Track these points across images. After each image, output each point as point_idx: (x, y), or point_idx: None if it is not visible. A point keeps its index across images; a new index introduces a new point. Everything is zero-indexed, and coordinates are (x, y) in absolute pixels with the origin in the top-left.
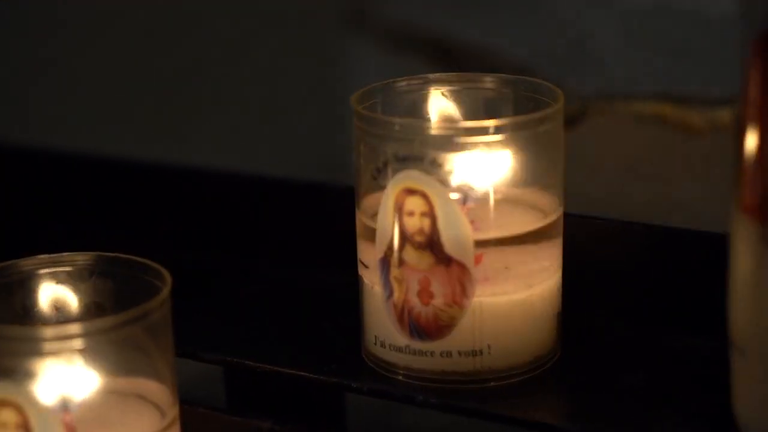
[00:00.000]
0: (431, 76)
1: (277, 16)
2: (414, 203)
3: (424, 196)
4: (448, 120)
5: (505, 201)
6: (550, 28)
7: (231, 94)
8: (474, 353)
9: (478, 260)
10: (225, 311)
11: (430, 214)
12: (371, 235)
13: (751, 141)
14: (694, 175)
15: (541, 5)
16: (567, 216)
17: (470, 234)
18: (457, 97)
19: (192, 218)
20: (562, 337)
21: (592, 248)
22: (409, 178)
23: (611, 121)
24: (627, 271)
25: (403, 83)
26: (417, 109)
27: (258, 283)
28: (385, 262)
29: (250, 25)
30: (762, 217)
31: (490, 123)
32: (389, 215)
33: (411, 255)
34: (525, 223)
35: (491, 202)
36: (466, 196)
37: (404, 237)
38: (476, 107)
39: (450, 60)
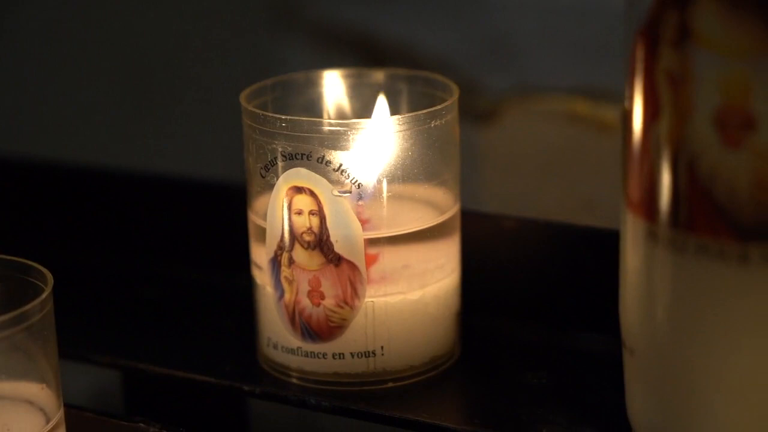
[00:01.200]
0: (325, 72)
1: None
2: (302, 202)
3: (312, 194)
4: (339, 116)
5: (400, 198)
6: (470, 24)
7: (157, 94)
8: (367, 354)
9: (373, 259)
10: (119, 313)
11: (319, 213)
12: (262, 234)
13: (636, 136)
14: (607, 173)
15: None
16: (467, 214)
17: (360, 233)
18: (352, 92)
19: (84, 218)
20: (461, 337)
21: (494, 246)
22: (297, 176)
23: (526, 118)
24: (529, 269)
25: (296, 79)
26: (311, 106)
27: (153, 285)
28: (276, 262)
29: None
30: (648, 214)
31: (381, 119)
32: (278, 214)
33: (300, 255)
34: (420, 220)
35: (384, 199)
36: (358, 193)
37: (293, 236)
38: (371, 103)
39: (375, 56)
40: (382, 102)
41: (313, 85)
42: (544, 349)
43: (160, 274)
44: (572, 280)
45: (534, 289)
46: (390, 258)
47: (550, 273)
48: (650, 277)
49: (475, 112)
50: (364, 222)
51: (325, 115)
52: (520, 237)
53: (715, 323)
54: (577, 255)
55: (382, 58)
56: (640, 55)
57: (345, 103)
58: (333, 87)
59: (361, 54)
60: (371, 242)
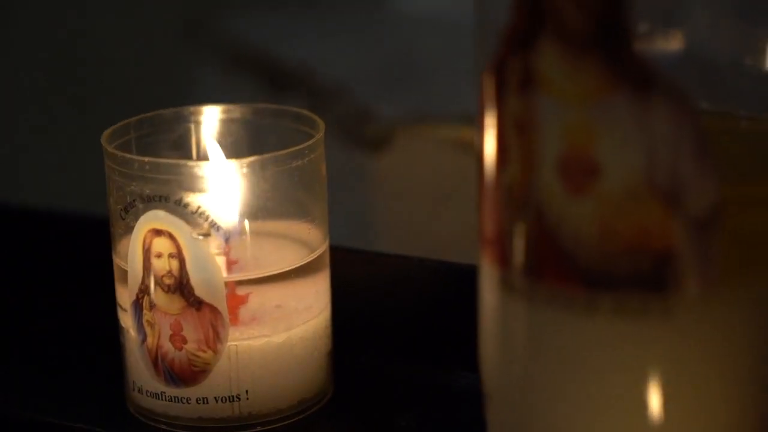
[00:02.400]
0: (192, 108)
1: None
2: (161, 244)
3: (171, 237)
4: (206, 154)
5: (268, 237)
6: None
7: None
8: (231, 399)
9: (242, 300)
10: None
11: (178, 256)
12: (125, 277)
13: (487, 180)
14: None
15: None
16: (341, 250)
17: (221, 276)
18: (221, 129)
19: None
20: (333, 377)
21: (368, 283)
22: (156, 218)
23: (420, 146)
24: (404, 307)
25: (161, 117)
26: (179, 144)
27: (18, 326)
28: (138, 305)
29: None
30: (500, 260)
31: (242, 160)
32: (138, 257)
33: (161, 298)
34: (288, 259)
35: (249, 240)
36: (225, 235)
37: (153, 280)
38: (240, 139)
39: (278, 80)
40: (213, 145)
41: (181, 121)
42: (417, 388)
43: (23, 314)
44: (446, 318)
45: (409, 327)
46: (260, 299)
47: (425, 311)
48: (504, 324)
49: (369, 140)
50: (232, 263)
51: (193, 153)
52: (393, 274)
53: (565, 373)
54: (450, 292)
55: (283, 82)
56: (487, 98)
57: (213, 140)
58: (200, 124)
59: (265, 77)
60: (239, 283)
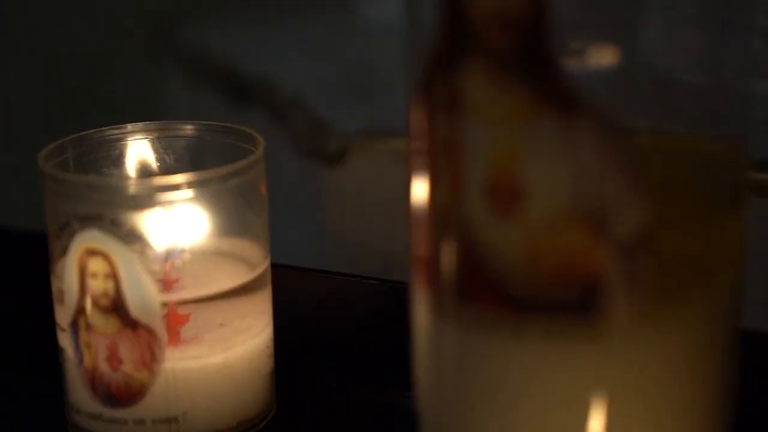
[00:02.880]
0: (131, 126)
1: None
2: (96, 265)
3: (106, 258)
4: (145, 173)
5: (208, 256)
6: (328, 60)
7: None
8: (169, 420)
9: (183, 320)
10: None
11: (114, 276)
12: (63, 297)
13: (417, 202)
14: None
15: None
16: (281, 268)
17: (157, 296)
18: (159, 147)
19: None
20: (276, 397)
21: (312, 302)
22: (91, 238)
23: (376, 160)
24: (347, 325)
25: (100, 135)
26: (117, 162)
27: None
28: (75, 326)
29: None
30: (431, 283)
31: (179, 179)
32: (74, 277)
33: (98, 319)
34: (228, 278)
35: (188, 259)
36: (164, 254)
37: (90, 300)
38: (179, 157)
39: (239, 91)
40: (152, 163)
41: (120, 139)
42: (359, 407)
43: None
44: (388, 337)
45: (352, 345)
46: (201, 318)
47: (367, 329)
48: (436, 346)
49: (325, 154)
50: (172, 283)
51: (133, 171)
52: (336, 292)
53: (495, 396)
54: (392, 311)
55: (243, 95)
56: (415, 118)
57: (152, 158)
58: (140, 142)
59: (226, 90)
60: (179, 303)
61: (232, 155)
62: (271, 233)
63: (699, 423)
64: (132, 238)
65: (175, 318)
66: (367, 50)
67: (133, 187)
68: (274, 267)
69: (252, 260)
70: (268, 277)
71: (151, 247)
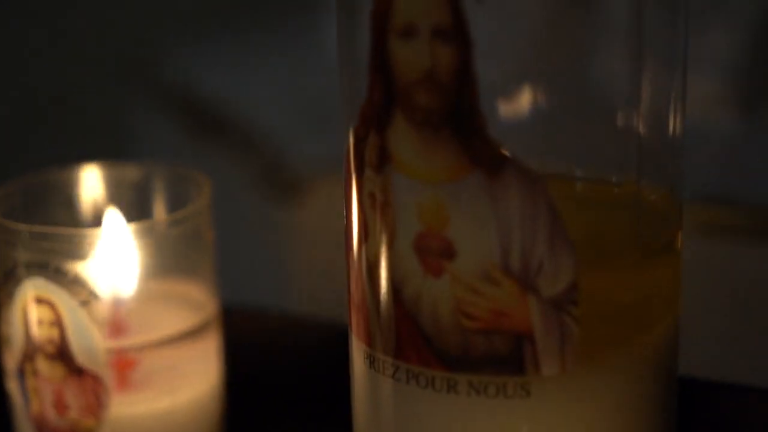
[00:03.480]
0: (82, 169)
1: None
2: (42, 312)
3: (52, 306)
4: (96, 215)
5: (155, 300)
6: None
7: None
8: None
9: (128, 366)
10: None
11: (59, 324)
12: (10, 343)
13: (351, 256)
14: None
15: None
16: (233, 310)
17: (102, 343)
18: (107, 189)
19: None
20: None
21: (264, 343)
22: (36, 286)
23: (334, 194)
24: (302, 367)
25: (50, 179)
26: (67, 206)
27: None
28: (22, 371)
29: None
30: (365, 338)
31: (123, 227)
32: (20, 325)
33: (44, 365)
34: (175, 322)
35: (135, 304)
36: (111, 300)
37: (36, 347)
38: (127, 199)
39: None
40: (112, 215)
41: (70, 183)
42: None
43: None
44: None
45: (308, 388)
46: (149, 363)
47: (325, 371)
48: (372, 396)
49: (283, 188)
50: (119, 328)
51: (83, 215)
52: (294, 333)
53: None
54: (343, 354)
55: (206, 126)
56: (349, 171)
57: (102, 201)
58: (90, 184)
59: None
60: (126, 349)
61: (181, 197)
62: (227, 271)
63: None
64: (77, 285)
65: (121, 364)
66: (329, 86)
67: (77, 236)
68: (229, 307)
69: (199, 303)
70: (216, 319)
71: (96, 294)
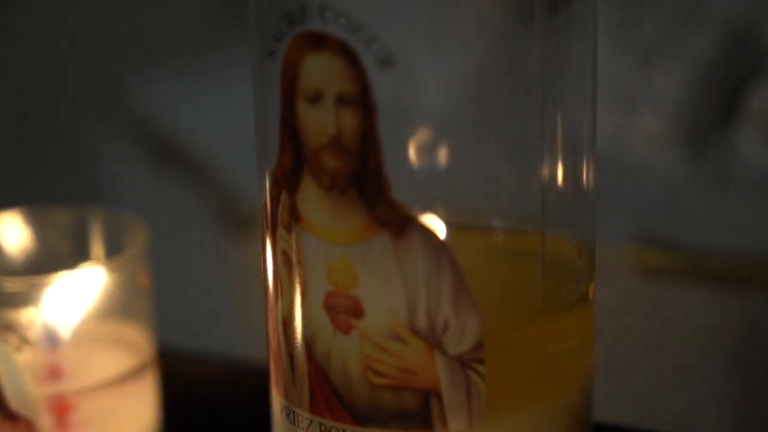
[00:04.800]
0: (12, 212)
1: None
2: None
3: None
4: (24, 261)
5: (88, 345)
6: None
7: None
8: None
9: (65, 410)
10: None
11: None
12: None
13: (268, 311)
14: None
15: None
16: (172, 353)
17: (34, 389)
18: (40, 233)
19: None
20: None
21: (203, 386)
22: None
23: None
24: (236, 413)
25: None
26: None
27: None
28: None
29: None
30: (282, 391)
31: (56, 275)
32: None
33: None
34: (111, 365)
35: (68, 350)
36: (43, 345)
37: None
38: (60, 242)
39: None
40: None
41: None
42: None
43: None
44: None
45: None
46: (87, 406)
47: (258, 416)
48: None
49: (236, 223)
50: (56, 373)
51: (12, 261)
52: (229, 376)
53: None
54: None
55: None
56: (264, 228)
57: (32, 246)
58: (16, 229)
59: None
60: (61, 394)
61: (118, 241)
62: (174, 312)
63: None
64: (9, 332)
65: (58, 408)
66: None
67: (8, 285)
68: (171, 350)
69: (136, 346)
70: (153, 362)
71: (29, 341)
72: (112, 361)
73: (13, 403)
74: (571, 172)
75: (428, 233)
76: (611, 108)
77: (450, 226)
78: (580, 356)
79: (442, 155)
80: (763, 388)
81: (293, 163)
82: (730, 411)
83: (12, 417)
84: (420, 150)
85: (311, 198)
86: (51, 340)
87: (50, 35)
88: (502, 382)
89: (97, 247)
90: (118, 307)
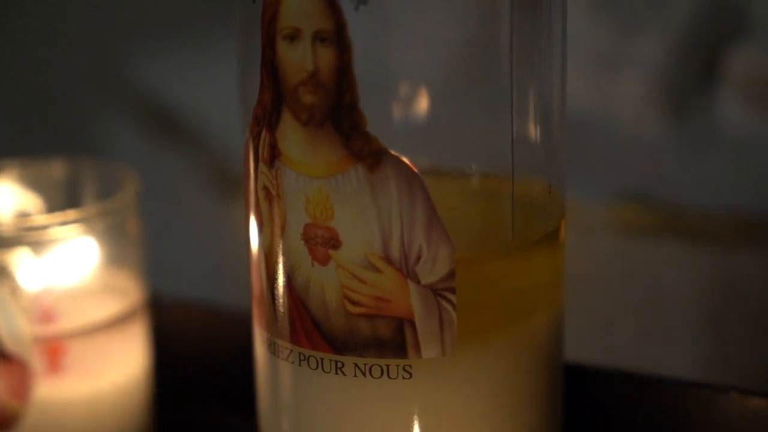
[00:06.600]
0: (6, 162)
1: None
2: None
3: None
4: (19, 210)
5: (80, 290)
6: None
7: None
8: None
9: (56, 352)
10: None
11: None
12: None
13: (250, 246)
14: None
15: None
16: (163, 300)
17: (28, 329)
18: (32, 184)
19: None
20: (156, 426)
21: (190, 333)
22: None
23: None
24: (224, 358)
25: None
26: None
27: None
28: None
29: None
30: (264, 324)
31: (50, 218)
32: None
33: None
34: (101, 311)
35: (60, 293)
36: (38, 289)
37: None
38: (53, 194)
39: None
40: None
41: None
42: None
43: None
44: None
45: (230, 377)
46: (77, 350)
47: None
48: (272, 381)
49: (227, 183)
50: (46, 316)
51: (7, 208)
52: (213, 326)
53: (325, 430)
54: None
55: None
56: (246, 166)
57: (26, 196)
58: (12, 180)
59: (143, 117)
60: (53, 336)
61: (110, 191)
62: (168, 264)
63: None
64: (4, 275)
65: (51, 350)
66: None
67: (3, 229)
68: (163, 297)
69: (126, 292)
70: (143, 308)
71: (23, 284)
72: (103, 306)
73: (7, 343)
74: (543, 126)
75: (402, 165)
76: (592, 71)
77: (421, 167)
78: (550, 292)
79: (415, 98)
80: (735, 339)
81: (273, 100)
82: (702, 363)
83: (6, 356)
84: (394, 92)
85: (290, 133)
86: (44, 284)
87: (51, 7)
88: (474, 312)
89: (89, 197)
90: (109, 253)
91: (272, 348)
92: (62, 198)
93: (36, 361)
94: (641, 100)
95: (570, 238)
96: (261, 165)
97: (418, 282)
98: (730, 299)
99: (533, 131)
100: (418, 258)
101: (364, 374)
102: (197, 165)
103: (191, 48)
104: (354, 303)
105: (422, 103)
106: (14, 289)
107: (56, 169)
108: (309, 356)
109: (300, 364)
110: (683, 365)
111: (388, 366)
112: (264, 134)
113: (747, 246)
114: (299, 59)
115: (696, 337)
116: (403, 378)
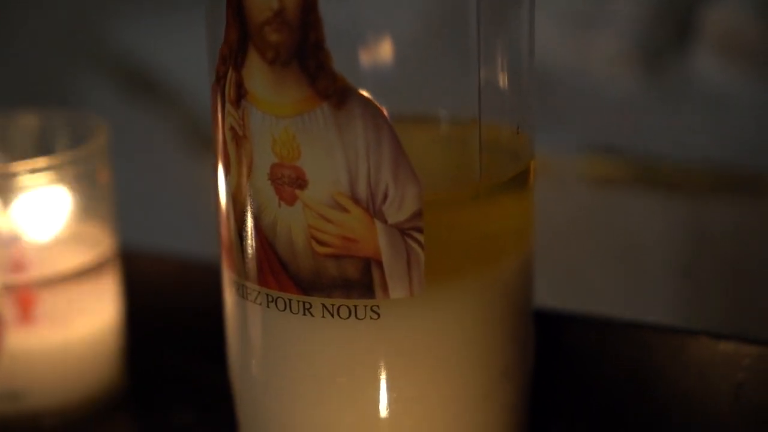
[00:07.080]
0: None
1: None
2: None
3: None
4: None
5: (51, 240)
6: None
7: None
8: (10, 397)
9: (28, 302)
10: None
11: None
12: None
13: (218, 188)
14: None
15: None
16: (137, 252)
17: None
18: (3, 135)
19: None
20: (126, 375)
21: (161, 284)
22: None
23: None
24: (197, 308)
25: None
26: None
27: None
28: None
29: None
30: (232, 266)
31: (19, 165)
32: None
33: None
34: (72, 260)
35: (31, 243)
36: (8, 238)
37: None
38: (25, 145)
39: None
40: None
41: None
42: (209, 387)
43: None
44: None
45: (201, 326)
46: (49, 299)
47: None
48: (241, 325)
49: (199, 140)
50: (20, 266)
51: None
52: (185, 277)
53: (294, 373)
54: None
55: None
56: (213, 109)
57: None
58: None
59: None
60: (23, 285)
61: (81, 142)
62: (141, 217)
63: (480, 400)
64: None
65: (22, 300)
66: None
67: None
68: (137, 249)
69: (97, 242)
70: (114, 258)
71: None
72: (74, 256)
73: None
74: (511, 71)
75: (368, 103)
76: (568, 27)
77: (389, 113)
78: (520, 235)
79: (381, 42)
80: (708, 287)
81: (239, 40)
82: (675, 310)
83: None
84: (361, 36)
85: (256, 72)
86: (14, 233)
87: None
88: (442, 253)
89: (61, 148)
90: (80, 202)
91: (241, 291)
92: (34, 149)
93: (7, 310)
94: (617, 56)
95: (545, 190)
96: (228, 105)
97: (385, 221)
98: (702, 248)
99: (501, 76)
100: (385, 197)
101: (332, 315)
102: (171, 122)
103: (166, 7)
104: (321, 243)
105: (388, 47)
106: None
107: (28, 120)
108: (277, 297)
109: (268, 306)
110: (655, 312)
111: (355, 306)
112: (230, 74)
113: (719, 196)
114: None
115: (668, 285)
116: (371, 318)
